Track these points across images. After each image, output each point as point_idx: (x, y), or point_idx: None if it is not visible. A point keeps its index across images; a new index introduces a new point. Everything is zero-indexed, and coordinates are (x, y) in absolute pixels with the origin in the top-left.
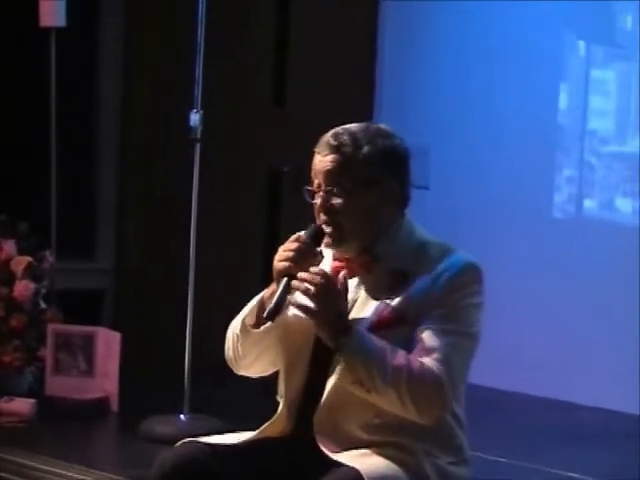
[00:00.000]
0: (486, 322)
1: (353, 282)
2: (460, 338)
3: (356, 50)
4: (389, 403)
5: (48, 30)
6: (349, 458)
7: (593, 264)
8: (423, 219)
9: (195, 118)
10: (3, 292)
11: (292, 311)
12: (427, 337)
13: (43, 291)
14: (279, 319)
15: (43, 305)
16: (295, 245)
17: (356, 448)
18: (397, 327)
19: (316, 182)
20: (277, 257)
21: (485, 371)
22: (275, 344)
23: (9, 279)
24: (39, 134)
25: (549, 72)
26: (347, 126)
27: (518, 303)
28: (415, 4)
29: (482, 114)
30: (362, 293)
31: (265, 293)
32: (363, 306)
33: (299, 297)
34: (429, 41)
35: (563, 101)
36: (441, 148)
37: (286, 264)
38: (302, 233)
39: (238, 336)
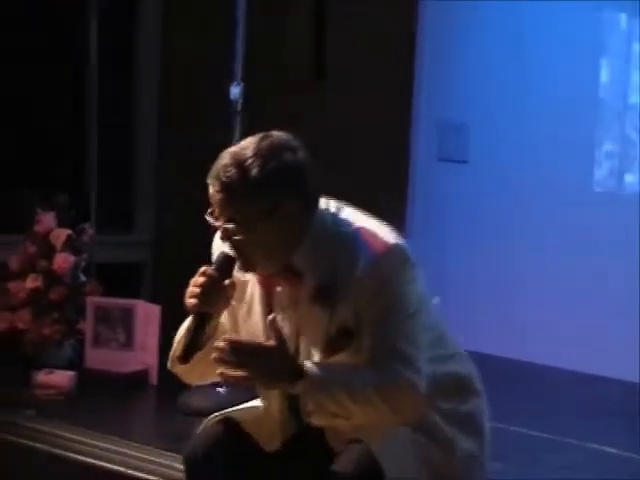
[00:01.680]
0: (523, 292)
1: (286, 298)
2: (405, 323)
3: (397, 23)
4: (370, 420)
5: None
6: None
7: (632, 239)
8: (465, 192)
9: (236, 91)
10: (43, 265)
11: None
12: (375, 340)
13: (83, 264)
14: (209, 349)
15: (83, 278)
16: (201, 280)
17: None
18: (345, 342)
19: (216, 212)
20: (186, 293)
21: (510, 342)
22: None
23: (49, 252)
24: (78, 108)
25: (589, 47)
26: (237, 150)
27: (555, 277)
28: None
29: (522, 90)
30: (300, 309)
31: (182, 328)
32: (307, 330)
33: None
34: (470, 20)
35: (604, 76)
36: (482, 124)
37: (193, 301)
38: (211, 266)
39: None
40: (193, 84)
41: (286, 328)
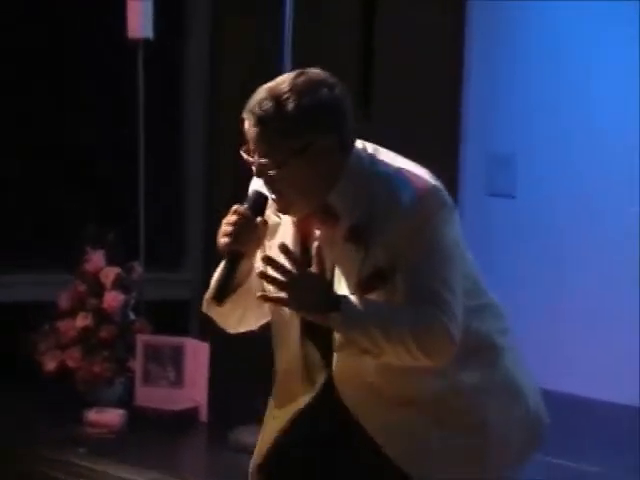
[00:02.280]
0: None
1: (321, 239)
2: (444, 267)
3: (443, 51)
4: (399, 359)
5: (136, 42)
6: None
7: None
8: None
9: None
10: (93, 303)
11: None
12: (413, 282)
13: (132, 302)
14: (244, 289)
15: (132, 316)
16: (234, 219)
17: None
18: (379, 283)
19: (252, 149)
20: (219, 233)
21: (557, 376)
22: (253, 308)
23: (99, 290)
24: (127, 145)
25: (635, 78)
26: (274, 85)
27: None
28: (506, 4)
29: (568, 113)
30: (335, 249)
31: (218, 271)
32: (341, 270)
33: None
34: (518, 41)
35: None
36: (529, 148)
37: (226, 240)
38: (243, 205)
39: (208, 312)
40: (241, 132)
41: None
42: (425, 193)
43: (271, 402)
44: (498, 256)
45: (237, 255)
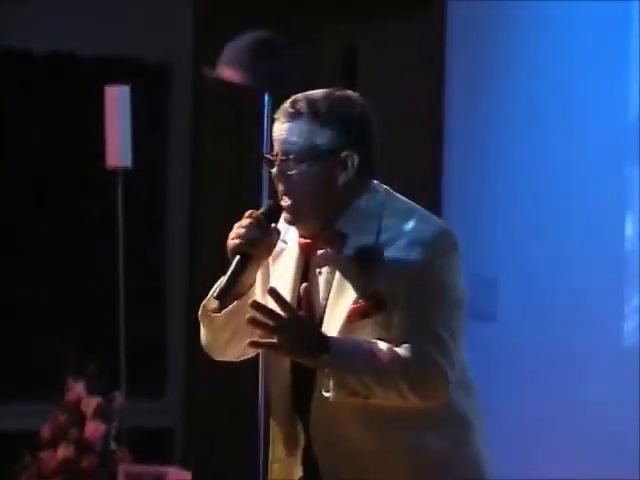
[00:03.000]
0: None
1: (325, 268)
2: (444, 313)
3: (423, 111)
4: (390, 401)
5: (115, 170)
6: None
7: None
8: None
9: None
10: (74, 433)
11: (262, 298)
12: (410, 318)
13: (113, 431)
14: (242, 303)
15: (114, 446)
16: (247, 221)
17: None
18: (374, 311)
19: (275, 151)
20: (230, 234)
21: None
22: (244, 329)
23: (79, 420)
24: (107, 275)
25: (614, 202)
26: (310, 92)
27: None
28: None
29: (547, 246)
30: (336, 275)
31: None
32: (340, 291)
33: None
34: (501, 165)
35: (629, 230)
36: (508, 279)
37: (237, 241)
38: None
39: (201, 322)
40: (224, 256)
41: (320, 289)
42: (438, 234)
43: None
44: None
45: (246, 257)
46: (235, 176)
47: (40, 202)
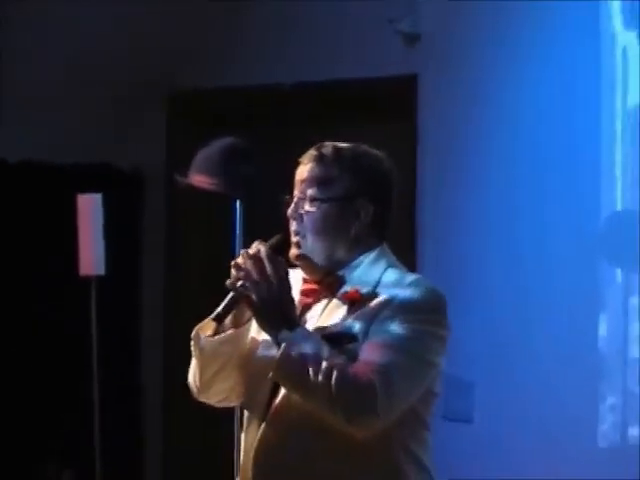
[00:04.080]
0: None
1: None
2: (405, 356)
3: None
4: (318, 405)
5: (88, 279)
6: None
7: None
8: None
9: None
10: None
11: (256, 335)
12: (370, 350)
13: None
14: (236, 335)
15: None
16: (250, 263)
17: None
18: (344, 343)
19: (294, 193)
20: (234, 263)
21: None
22: (233, 364)
23: None
24: (81, 382)
25: (588, 301)
26: (337, 142)
27: None
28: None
29: (525, 347)
30: (325, 310)
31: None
32: (325, 320)
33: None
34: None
35: (603, 329)
36: (488, 382)
37: (236, 281)
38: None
39: (193, 348)
40: None
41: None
42: (434, 294)
43: None
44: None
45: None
46: (209, 281)
47: (10, 312)
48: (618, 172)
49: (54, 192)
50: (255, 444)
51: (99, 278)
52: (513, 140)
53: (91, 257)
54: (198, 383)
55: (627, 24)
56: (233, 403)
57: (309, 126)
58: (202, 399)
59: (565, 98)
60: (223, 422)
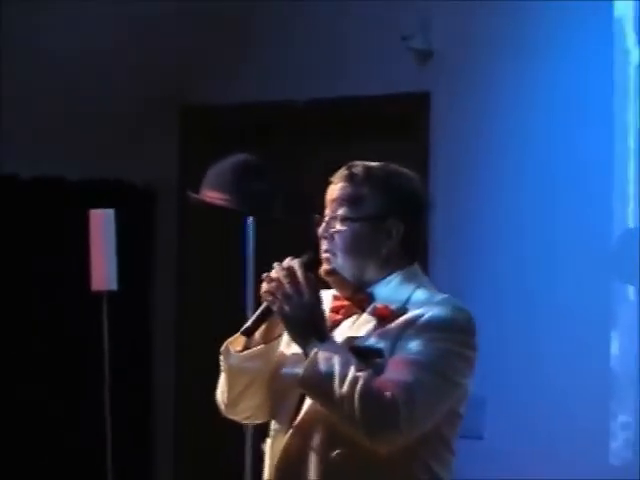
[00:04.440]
0: None
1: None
2: (430, 374)
3: None
4: (341, 417)
5: (100, 294)
6: None
7: None
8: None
9: None
10: None
11: (286, 350)
12: (395, 366)
13: None
14: (265, 350)
15: None
16: (284, 276)
17: None
18: (371, 358)
19: (326, 212)
20: (267, 276)
21: None
22: (261, 380)
23: None
24: (93, 408)
25: (600, 319)
26: (366, 162)
27: None
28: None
29: (532, 363)
30: (354, 325)
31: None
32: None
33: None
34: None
35: (614, 347)
36: (496, 399)
37: (267, 293)
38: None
39: (222, 363)
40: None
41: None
42: (464, 314)
43: None
44: None
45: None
46: (222, 296)
47: (23, 328)
48: (631, 189)
49: (66, 208)
50: (279, 455)
51: (111, 293)
52: (525, 157)
53: (103, 272)
54: (226, 399)
55: None
56: (259, 420)
57: (322, 143)
58: (229, 416)
59: (577, 115)
60: (234, 437)
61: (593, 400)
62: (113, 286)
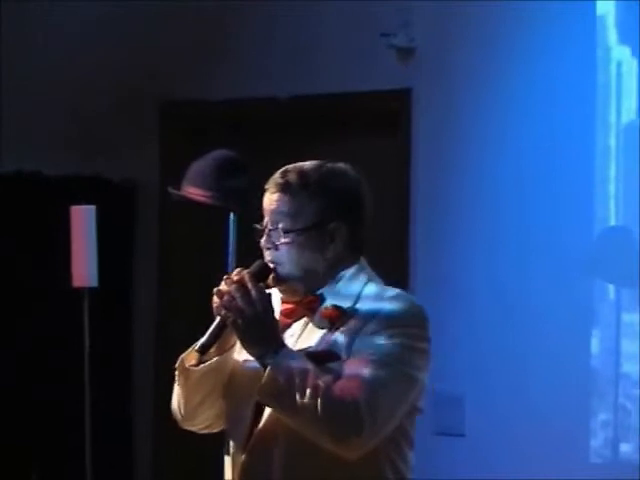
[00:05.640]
0: None
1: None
2: (389, 372)
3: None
4: (305, 426)
5: (81, 290)
6: None
7: None
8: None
9: None
10: None
11: (239, 356)
12: (353, 365)
13: None
14: (221, 361)
15: None
16: (235, 288)
17: None
18: (328, 362)
19: (265, 221)
20: (216, 291)
21: None
22: (218, 392)
23: None
24: (74, 404)
25: (580, 317)
26: (300, 164)
27: None
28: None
29: (518, 361)
30: (308, 327)
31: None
32: (306, 339)
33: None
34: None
35: (595, 346)
36: (478, 395)
37: (220, 308)
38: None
39: (178, 378)
40: None
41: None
42: (414, 307)
43: None
44: None
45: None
46: (202, 293)
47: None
48: (612, 188)
49: (45, 203)
50: (239, 472)
51: (91, 290)
52: (505, 154)
53: (84, 269)
54: (183, 413)
55: (622, 39)
56: (217, 429)
57: (304, 139)
58: (187, 427)
59: (559, 113)
60: (213, 447)
61: (573, 398)
62: (94, 282)
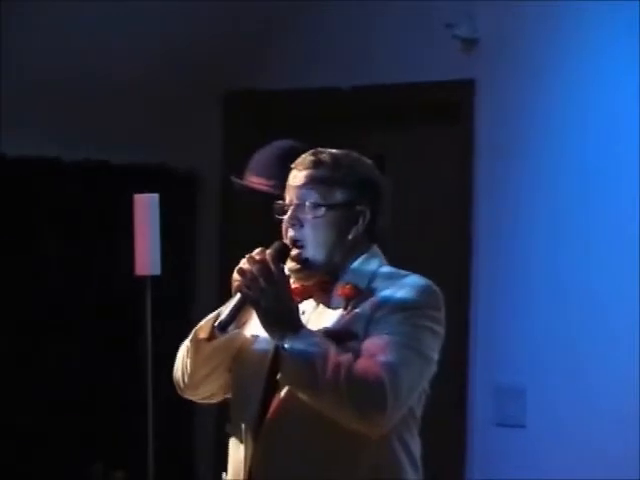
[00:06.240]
0: None
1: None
2: (409, 352)
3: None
4: (328, 405)
5: (143, 279)
6: None
7: None
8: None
9: None
10: None
11: (249, 332)
12: (373, 345)
13: None
14: (233, 337)
15: None
16: (256, 267)
17: None
18: (346, 341)
19: (288, 198)
20: (237, 269)
21: None
22: (226, 366)
23: None
24: (134, 383)
25: (633, 312)
26: (329, 149)
27: None
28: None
29: (570, 355)
30: (319, 307)
31: (222, 308)
32: (319, 319)
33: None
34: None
35: None
36: (539, 387)
37: (241, 285)
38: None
39: (188, 348)
40: None
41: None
42: (429, 289)
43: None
44: None
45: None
46: None
47: (65, 312)
48: None
49: (110, 192)
50: (253, 455)
51: (154, 278)
52: (568, 146)
53: (147, 257)
54: (187, 381)
55: None
56: (216, 401)
57: (366, 129)
58: (188, 396)
59: (623, 104)
60: None
61: (633, 392)
62: (157, 271)
